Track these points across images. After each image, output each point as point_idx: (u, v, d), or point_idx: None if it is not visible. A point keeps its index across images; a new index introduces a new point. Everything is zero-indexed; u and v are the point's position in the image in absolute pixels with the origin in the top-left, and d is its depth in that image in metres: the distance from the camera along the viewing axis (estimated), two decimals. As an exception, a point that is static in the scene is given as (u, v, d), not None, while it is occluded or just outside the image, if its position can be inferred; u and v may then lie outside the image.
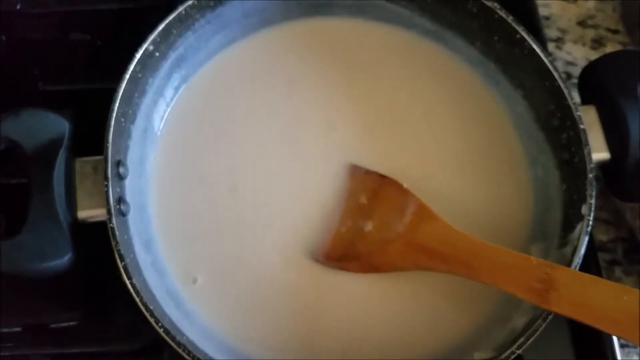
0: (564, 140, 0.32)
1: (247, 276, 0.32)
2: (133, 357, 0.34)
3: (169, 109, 0.36)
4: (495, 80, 0.36)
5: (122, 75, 0.32)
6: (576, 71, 0.45)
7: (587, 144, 0.31)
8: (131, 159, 0.32)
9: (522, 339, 0.27)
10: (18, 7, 0.41)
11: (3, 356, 0.34)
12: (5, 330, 0.34)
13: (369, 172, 0.34)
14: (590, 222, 0.30)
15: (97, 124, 0.32)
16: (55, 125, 0.31)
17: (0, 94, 0.39)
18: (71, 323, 0.34)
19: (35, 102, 0.39)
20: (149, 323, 0.28)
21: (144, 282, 0.29)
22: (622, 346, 0.35)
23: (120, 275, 0.32)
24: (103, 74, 0.40)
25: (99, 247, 0.31)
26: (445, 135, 0.36)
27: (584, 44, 0.46)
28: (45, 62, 0.41)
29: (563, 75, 0.44)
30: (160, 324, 0.27)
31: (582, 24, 0.47)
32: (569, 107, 0.32)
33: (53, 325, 0.34)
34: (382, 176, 0.34)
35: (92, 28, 0.42)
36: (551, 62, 0.33)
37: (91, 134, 0.33)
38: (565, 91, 0.32)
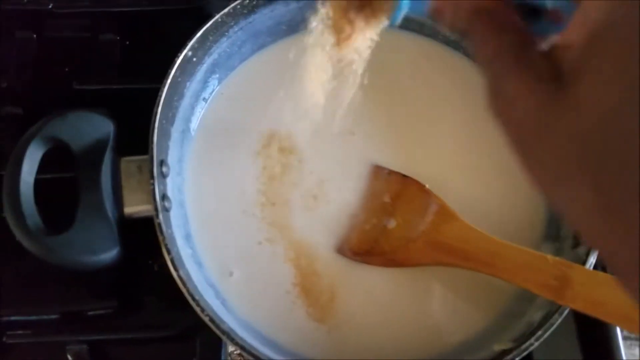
0: (579, 146, 0.34)
1: (280, 271, 0.34)
2: (166, 344, 0.36)
3: (203, 111, 0.38)
4: (514, 88, 0.38)
5: (159, 80, 0.33)
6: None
7: (601, 150, 0.32)
8: (171, 158, 0.34)
9: (540, 332, 0.29)
10: (50, 6, 0.42)
11: (41, 342, 0.36)
12: (44, 317, 0.36)
13: (391, 173, 0.36)
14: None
15: (131, 122, 0.33)
16: (101, 126, 0.32)
17: (37, 91, 0.41)
18: (108, 311, 0.36)
19: (71, 101, 0.41)
20: (181, 312, 0.30)
21: (187, 273, 0.31)
22: (624, 338, 0.37)
23: (153, 266, 0.34)
24: (132, 74, 0.42)
25: (134, 241, 0.32)
26: (463, 138, 0.38)
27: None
28: (76, 62, 0.42)
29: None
30: (205, 313, 0.29)
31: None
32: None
33: (90, 313, 0.36)
34: (405, 177, 0.36)
35: (121, 29, 0.43)
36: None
37: (125, 132, 0.34)
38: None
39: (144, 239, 0.31)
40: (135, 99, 0.34)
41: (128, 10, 0.43)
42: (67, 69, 0.42)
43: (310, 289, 0.34)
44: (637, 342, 0.40)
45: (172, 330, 0.36)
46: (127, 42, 0.43)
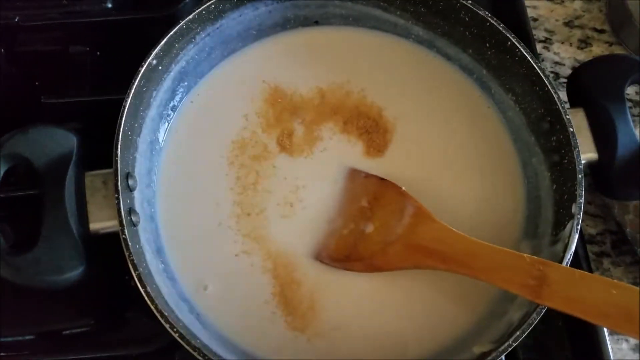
0: (554, 143, 0.34)
1: (258, 282, 0.34)
2: (145, 360, 0.35)
3: (172, 121, 0.37)
4: (488, 86, 0.38)
5: (127, 90, 0.32)
6: (564, 71, 0.47)
7: (576, 147, 0.32)
8: (139, 170, 0.33)
9: (518, 332, 0.29)
10: (17, 19, 0.42)
11: (18, 364, 0.35)
12: (19, 338, 0.35)
13: (368, 176, 0.36)
14: (580, 221, 0.31)
15: (102, 135, 0.33)
16: (64, 140, 0.32)
17: (4, 107, 0.40)
18: (84, 329, 0.36)
19: (38, 115, 0.40)
20: (160, 327, 0.29)
21: (157, 289, 0.30)
22: (611, 333, 0.37)
23: (130, 282, 0.33)
24: (104, 86, 0.41)
25: (108, 256, 0.32)
26: (440, 139, 0.37)
27: (571, 44, 0.48)
28: (46, 75, 0.41)
29: (551, 75, 0.46)
30: (175, 329, 0.28)
31: (569, 24, 0.48)
32: (558, 111, 0.33)
33: (66, 332, 0.36)
34: (382, 179, 0.35)
35: (92, 40, 0.42)
36: (541, 68, 0.34)
37: (96, 145, 0.33)
38: (555, 96, 0.33)
39: (118, 254, 0.31)
40: (107, 110, 0.33)
41: (97, 20, 0.42)
42: (37, 83, 0.42)
43: (290, 298, 0.34)
44: (624, 337, 0.39)
45: (151, 346, 0.35)
46: (98, 53, 0.43)
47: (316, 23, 0.39)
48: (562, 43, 0.48)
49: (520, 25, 0.44)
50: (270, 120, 0.38)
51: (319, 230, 0.35)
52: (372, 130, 0.37)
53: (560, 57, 0.48)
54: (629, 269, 0.42)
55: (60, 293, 0.33)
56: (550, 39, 0.48)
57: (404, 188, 0.34)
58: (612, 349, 0.37)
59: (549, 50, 0.48)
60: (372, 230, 0.34)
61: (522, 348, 0.35)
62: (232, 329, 0.33)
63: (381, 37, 0.39)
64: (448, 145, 0.37)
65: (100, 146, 0.33)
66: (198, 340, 0.29)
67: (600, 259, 0.43)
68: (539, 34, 0.48)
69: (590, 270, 0.40)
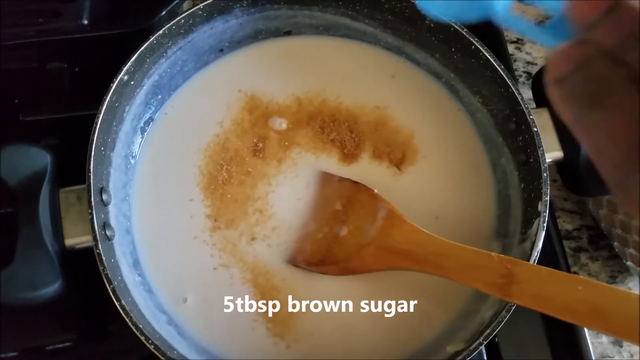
0: (520, 142, 0.35)
1: (238, 292, 0.34)
2: (128, 373, 0.36)
3: (146, 134, 0.37)
4: (456, 89, 0.39)
5: (99, 107, 0.33)
6: (536, 70, 0.47)
7: (540, 146, 0.33)
8: (114, 185, 0.34)
9: (488, 331, 0.29)
10: (-8, 39, 0.42)
11: (2, 380, 0.35)
12: (2, 355, 0.35)
13: (342, 179, 0.36)
14: (546, 218, 0.32)
15: (79, 151, 0.33)
16: (38, 158, 0.32)
17: (-19, 127, 0.41)
18: (67, 344, 0.36)
19: (16, 133, 0.40)
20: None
21: (133, 302, 0.31)
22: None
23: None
24: (82, 101, 0.41)
25: (89, 270, 0.32)
26: (412, 142, 0.38)
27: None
28: (24, 93, 0.42)
29: (524, 75, 0.47)
30: (150, 341, 0.29)
31: (540, 24, 0.49)
32: (522, 111, 0.34)
33: (49, 348, 0.36)
34: (355, 182, 0.36)
35: (69, 56, 0.43)
36: (504, 70, 0.35)
37: (74, 161, 0.34)
38: (519, 97, 0.34)
39: (98, 267, 0.31)
40: (84, 126, 0.34)
41: (74, 37, 0.43)
42: (16, 101, 0.42)
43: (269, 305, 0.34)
44: (603, 330, 0.40)
45: (134, 358, 0.35)
46: (76, 69, 0.43)
47: (288, 33, 0.40)
48: (534, 43, 0.48)
49: (492, 27, 0.45)
50: (246, 127, 0.38)
51: (293, 236, 0.35)
52: (346, 137, 0.38)
53: (532, 57, 0.48)
54: (606, 263, 0.43)
55: (43, 308, 0.33)
56: (522, 40, 0.49)
57: (376, 191, 0.35)
58: (592, 343, 0.37)
59: (521, 51, 0.48)
60: (346, 233, 0.35)
61: (503, 344, 0.36)
62: (212, 339, 0.33)
63: (352, 45, 0.40)
64: (420, 148, 0.38)
65: (78, 162, 0.33)
66: (175, 352, 0.30)
67: (577, 254, 0.43)
68: (511, 34, 0.48)
69: (568, 266, 0.40)
